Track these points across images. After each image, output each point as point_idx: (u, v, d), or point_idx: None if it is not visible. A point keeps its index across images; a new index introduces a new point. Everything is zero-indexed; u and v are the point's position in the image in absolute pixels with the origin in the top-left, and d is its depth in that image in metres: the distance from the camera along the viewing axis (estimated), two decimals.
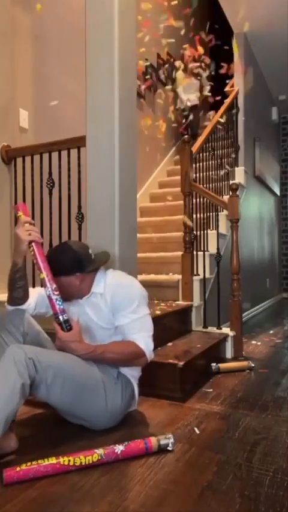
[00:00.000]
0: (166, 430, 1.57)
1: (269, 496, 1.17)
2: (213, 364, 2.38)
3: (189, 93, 5.01)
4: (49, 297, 1.51)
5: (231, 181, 3.90)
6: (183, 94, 5.02)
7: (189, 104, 4.98)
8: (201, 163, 3.56)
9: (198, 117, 5.10)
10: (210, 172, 3.75)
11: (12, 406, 1.29)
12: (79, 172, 2.28)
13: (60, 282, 1.56)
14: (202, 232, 3.12)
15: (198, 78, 5.04)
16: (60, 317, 1.49)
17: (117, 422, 1.59)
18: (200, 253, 3.04)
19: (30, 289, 1.68)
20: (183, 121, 5.01)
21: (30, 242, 1.51)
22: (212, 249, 3.09)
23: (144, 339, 1.56)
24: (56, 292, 1.51)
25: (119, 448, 1.34)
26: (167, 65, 5.00)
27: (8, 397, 1.27)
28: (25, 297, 1.64)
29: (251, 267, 4.74)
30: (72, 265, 1.56)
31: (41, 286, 1.60)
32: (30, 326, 1.61)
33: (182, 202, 3.04)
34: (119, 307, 1.57)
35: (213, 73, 4.88)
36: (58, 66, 3.15)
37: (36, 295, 1.68)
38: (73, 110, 3.04)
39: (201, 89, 5.05)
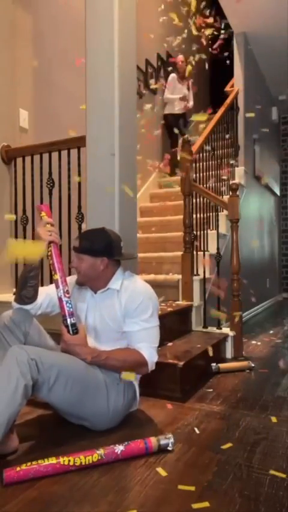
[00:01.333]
0: (166, 430, 1.57)
1: (269, 496, 1.17)
2: (213, 364, 2.38)
3: (171, 104, 4.86)
4: (60, 299, 1.52)
5: (231, 181, 3.90)
6: (171, 95, 4.83)
7: (176, 109, 4.82)
8: (201, 164, 3.57)
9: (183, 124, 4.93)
10: (210, 173, 3.75)
11: (15, 407, 1.29)
12: (79, 172, 2.28)
13: (84, 260, 1.57)
14: (202, 232, 3.12)
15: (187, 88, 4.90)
16: (68, 320, 1.51)
17: (118, 422, 1.59)
18: (200, 253, 3.04)
19: (40, 289, 1.67)
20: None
21: (50, 242, 1.54)
22: (212, 249, 3.09)
23: (149, 350, 1.56)
24: (67, 295, 1.52)
25: (119, 448, 1.34)
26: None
27: (10, 399, 1.28)
28: (34, 297, 1.63)
29: (251, 267, 4.74)
30: (103, 247, 1.57)
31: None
32: (32, 325, 1.61)
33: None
34: (132, 313, 1.57)
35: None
36: (58, 66, 3.15)
37: (44, 294, 1.67)
38: (73, 110, 3.04)
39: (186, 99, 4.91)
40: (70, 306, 1.52)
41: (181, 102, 4.81)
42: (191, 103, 4.94)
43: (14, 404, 1.28)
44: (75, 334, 1.51)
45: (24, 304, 1.63)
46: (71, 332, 1.50)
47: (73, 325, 1.51)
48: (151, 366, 1.58)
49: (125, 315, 1.58)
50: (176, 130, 4.74)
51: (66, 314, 1.51)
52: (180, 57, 4.89)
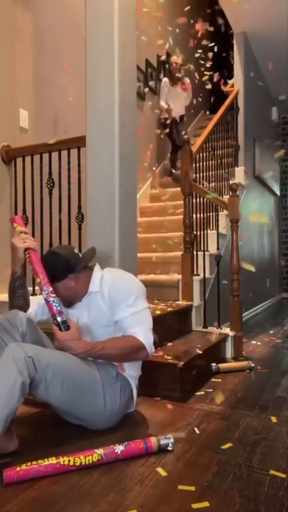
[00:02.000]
0: (166, 430, 1.57)
1: (269, 496, 1.17)
2: (213, 364, 2.38)
3: (174, 101, 4.73)
4: (46, 300, 1.53)
5: (231, 181, 3.90)
6: (166, 103, 4.71)
7: (173, 114, 4.69)
8: (201, 163, 3.57)
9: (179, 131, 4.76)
10: (210, 173, 3.75)
11: (12, 404, 1.29)
12: (79, 172, 2.28)
13: (58, 288, 1.59)
14: (202, 232, 3.13)
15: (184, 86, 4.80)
16: (58, 318, 1.50)
17: (116, 422, 1.59)
18: (200, 253, 3.04)
19: (30, 298, 1.71)
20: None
21: (25, 249, 1.56)
22: (212, 249, 3.09)
23: (143, 332, 1.55)
24: (52, 295, 1.53)
25: (119, 448, 1.34)
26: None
27: (8, 396, 1.28)
28: (25, 306, 1.66)
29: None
30: (62, 268, 1.60)
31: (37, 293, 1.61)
32: (29, 326, 1.61)
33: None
34: (116, 302, 1.58)
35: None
36: (58, 66, 3.15)
37: (36, 304, 1.71)
38: (73, 110, 3.05)
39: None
40: (57, 304, 1.52)
41: (177, 106, 4.72)
42: (188, 100, 4.87)
43: (11, 401, 1.28)
44: (67, 330, 1.50)
45: None
46: (62, 329, 1.50)
47: (64, 322, 1.50)
48: (150, 349, 1.57)
49: (111, 306, 1.59)
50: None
51: (55, 313, 1.51)
52: (174, 58, 4.77)
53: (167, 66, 4.95)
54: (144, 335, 1.55)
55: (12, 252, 1.58)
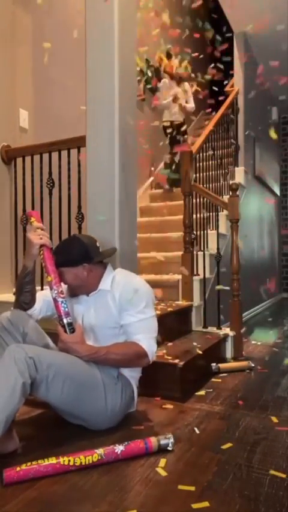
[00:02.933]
0: (166, 430, 1.57)
1: (269, 496, 1.17)
2: (213, 364, 2.38)
3: (169, 111, 4.48)
4: (54, 299, 1.53)
5: (231, 181, 3.90)
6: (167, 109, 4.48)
7: (174, 116, 4.44)
8: (201, 163, 3.57)
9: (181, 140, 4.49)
10: (210, 173, 3.75)
11: (13, 405, 1.29)
12: (79, 172, 2.28)
13: (68, 273, 1.59)
14: (202, 232, 3.12)
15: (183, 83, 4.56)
16: (65, 320, 1.51)
17: (117, 423, 1.59)
18: (200, 253, 3.04)
19: (37, 294, 1.70)
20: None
21: (41, 246, 1.56)
22: (212, 249, 3.09)
23: (147, 340, 1.56)
24: (61, 295, 1.53)
25: (119, 448, 1.34)
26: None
27: (8, 397, 1.28)
28: (32, 302, 1.66)
29: (252, 267, 4.74)
30: (80, 255, 1.57)
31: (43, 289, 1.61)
32: (30, 326, 1.62)
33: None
34: (126, 306, 1.58)
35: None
36: (58, 66, 3.14)
37: (41, 300, 1.70)
38: (73, 110, 3.04)
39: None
40: (65, 306, 1.53)
41: (176, 104, 4.49)
42: (190, 105, 4.61)
43: (12, 402, 1.28)
44: (72, 333, 1.51)
45: (23, 309, 1.65)
46: (68, 331, 1.51)
47: (69, 324, 1.52)
48: (152, 357, 1.58)
49: (120, 309, 1.59)
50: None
51: (62, 314, 1.52)
52: (175, 61, 4.60)
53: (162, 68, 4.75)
54: (148, 343, 1.56)
55: (27, 247, 1.59)
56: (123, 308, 1.58)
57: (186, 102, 4.56)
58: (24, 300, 1.63)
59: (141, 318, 1.57)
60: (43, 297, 1.71)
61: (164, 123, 4.50)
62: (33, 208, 2.53)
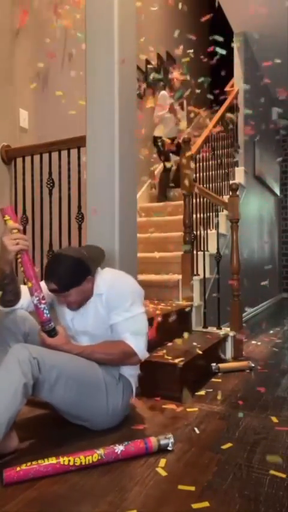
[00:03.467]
0: (166, 430, 1.57)
1: (269, 496, 1.17)
2: (213, 364, 2.38)
3: (168, 122, 4.35)
4: (36, 306, 1.47)
5: (231, 181, 3.90)
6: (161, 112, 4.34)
7: (164, 137, 4.24)
8: (201, 163, 3.57)
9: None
10: (210, 173, 3.75)
11: (15, 406, 1.29)
12: (79, 172, 2.28)
13: (72, 294, 1.53)
14: (202, 232, 3.12)
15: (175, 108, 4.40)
16: (47, 326, 1.49)
17: (117, 423, 1.59)
18: (200, 253, 3.04)
19: (22, 287, 1.63)
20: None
21: (17, 252, 1.45)
22: (212, 249, 3.09)
23: (135, 339, 1.54)
24: (43, 301, 1.48)
25: (119, 448, 1.34)
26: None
27: (11, 398, 1.28)
28: (16, 299, 1.62)
29: (252, 267, 4.74)
30: (81, 271, 1.52)
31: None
32: (32, 326, 1.61)
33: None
34: (112, 306, 1.56)
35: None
36: (58, 65, 3.14)
37: (28, 293, 1.63)
38: (73, 109, 3.04)
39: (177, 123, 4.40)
40: (47, 312, 1.48)
41: (173, 120, 4.34)
42: (183, 124, 4.45)
43: (14, 403, 1.28)
44: (55, 336, 1.49)
45: (9, 307, 1.62)
46: (51, 337, 1.49)
47: (53, 329, 1.49)
48: (142, 355, 1.56)
49: (108, 309, 1.57)
50: (168, 165, 4.22)
51: (45, 321, 1.48)
52: (176, 74, 4.55)
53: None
54: (136, 341, 1.54)
55: (2, 252, 1.44)
56: (110, 308, 1.57)
57: (180, 120, 4.44)
58: (7, 299, 1.58)
59: (127, 316, 1.55)
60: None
61: (156, 134, 4.37)
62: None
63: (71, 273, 1.50)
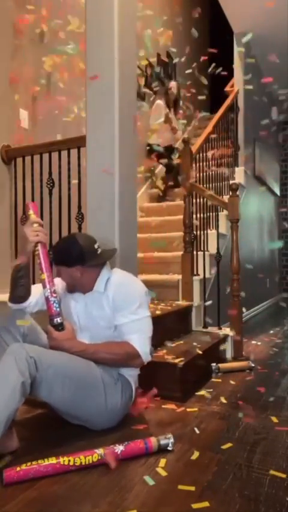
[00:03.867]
0: (166, 430, 1.57)
1: (269, 496, 1.17)
2: (213, 364, 2.38)
3: (164, 132, 4.34)
4: (47, 298, 1.53)
5: (231, 181, 3.90)
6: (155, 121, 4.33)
7: (160, 147, 4.24)
8: (201, 163, 3.56)
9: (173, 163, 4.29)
10: (210, 173, 3.75)
11: (13, 405, 1.29)
12: (79, 172, 2.28)
13: (62, 271, 1.62)
14: (202, 232, 3.12)
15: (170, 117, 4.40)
16: (55, 320, 1.52)
17: (116, 422, 1.59)
18: (200, 253, 3.04)
19: (32, 286, 1.68)
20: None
21: (36, 243, 1.53)
22: (212, 249, 3.09)
23: (140, 340, 1.55)
24: (54, 294, 1.53)
25: (119, 448, 1.34)
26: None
27: (9, 396, 1.28)
28: (27, 295, 1.65)
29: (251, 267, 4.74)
30: (74, 257, 1.58)
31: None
32: (30, 326, 1.61)
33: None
34: (119, 307, 1.58)
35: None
36: (58, 65, 3.14)
37: (38, 293, 1.68)
38: (73, 110, 3.05)
39: (174, 131, 4.41)
40: (57, 305, 1.53)
41: (168, 129, 4.34)
42: (179, 132, 4.48)
43: (13, 401, 1.28)
44: (62, 331, 1.53)
45: (19, 303, 1.65)
46: (58, 331, 1.53)
47: (60, 324, 1.53)
48: (145, 358, 1.57)
49: (114, 309, 1.59)
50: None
51: (54, 314, 1.53)
52: (173, 84, 4.62)
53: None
54: (141, 343, 1.55)
55: (22, 242, 1.56)
56: (117, 309, 1.58)
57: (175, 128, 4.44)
58: (18, 294, 1.61)
59: (134, 318, 1.57)
60: (39, 289, 1.67)
61: (150, 142, 4.35)
62: None
63: (65, 252, 1.60)
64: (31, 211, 1.58)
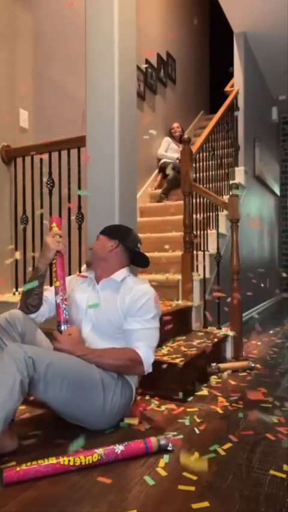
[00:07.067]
0: (166, 430, 1.57)
1: (269, 496, 1.17)
2: (213, 364, 2.38)
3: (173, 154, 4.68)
4: (58, 305, 1.60)
5: (231, 181, 3.90)
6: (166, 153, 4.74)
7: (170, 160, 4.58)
8: (201, 163, 3.56)
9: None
10: (210, 173, 3.75)
11: (12, 403, 1.29)
12: (79, 172, 2.28)
13: (100, 240, 1.73)
14: (202, 232, 3.12)
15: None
16: (63, 326, 1.59)
17: (116, 423, 1.59)
18: (200, 253, 3.03)
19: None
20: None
21: (56, 252, 1.62)
22: (212, 249, 3.09)
23: (146, 349, 1.57)
24: (65, 302, 1.61)
25: (119, 448, 1.34)
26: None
27: (7, 396, 1.28)
28: (38, 305, 1.67)
29: (251, 267, 4.74)
30: (120, 232, 1.75)
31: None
32: (28, 326, 1.62)
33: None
34: (135, 312, 1.60)
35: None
36: (58, 65, 3.14)
37: (47, 302, 1.72)
38: (73, 110, 3.05)
39: None
40: (66, 313, 1.61)
41: (178, 150, 4.53)
42: None
43: (11, 400, 1.28)
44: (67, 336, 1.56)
45: (30, 312, 1.66)
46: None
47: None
48: (147, 367, 1.58)
49: (127, 313, 1.61)
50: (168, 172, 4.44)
51: (62, 320, 1.59)
52: (176, 124, 4.94)
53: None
54: (146, 352, 1.57)
55: (44, 250, 1.64)
56: (131, 313, 1.60)
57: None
58: (31, 303, 1.64)
59: (146, 326, 1.59)
60: (48, 298, 1.72)
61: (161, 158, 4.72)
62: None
63: (116, 227, 1.82)
64: (54, 224, 1.70)
